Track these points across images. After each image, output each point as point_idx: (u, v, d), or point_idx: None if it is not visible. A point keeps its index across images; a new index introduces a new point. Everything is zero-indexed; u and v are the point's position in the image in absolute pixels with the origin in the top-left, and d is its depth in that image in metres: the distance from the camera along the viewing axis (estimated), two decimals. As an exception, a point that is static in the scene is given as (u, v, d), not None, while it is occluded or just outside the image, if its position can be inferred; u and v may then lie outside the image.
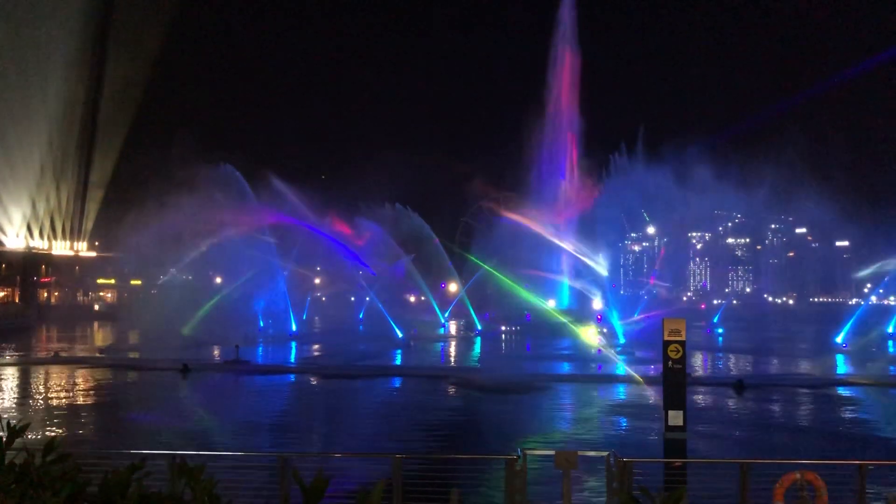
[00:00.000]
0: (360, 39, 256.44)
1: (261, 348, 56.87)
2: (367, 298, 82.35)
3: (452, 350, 61.76)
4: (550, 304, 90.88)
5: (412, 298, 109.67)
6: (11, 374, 41.57)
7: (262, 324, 73.12)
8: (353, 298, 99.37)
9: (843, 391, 36.18)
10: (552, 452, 11.98)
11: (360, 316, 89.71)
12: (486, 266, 76.46)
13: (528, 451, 12.26)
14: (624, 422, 28.47)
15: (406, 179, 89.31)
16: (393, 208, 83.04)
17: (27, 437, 3.41)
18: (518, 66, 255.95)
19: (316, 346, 61.07)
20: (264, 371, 42.72)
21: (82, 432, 25.61)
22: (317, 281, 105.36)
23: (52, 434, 23.51)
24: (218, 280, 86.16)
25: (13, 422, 3.30)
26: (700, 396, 32.39)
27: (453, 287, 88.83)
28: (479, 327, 75.98)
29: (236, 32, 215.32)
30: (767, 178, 67.49)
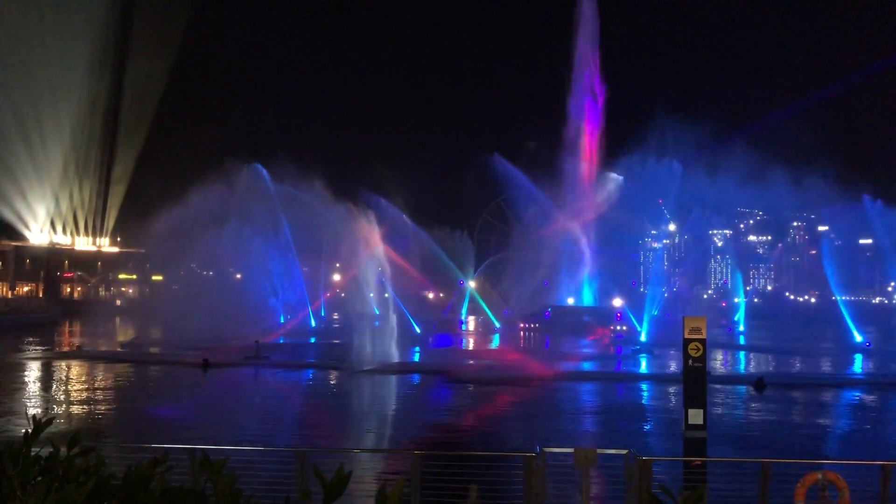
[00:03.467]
0: (378, 33, 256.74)
1: (281, 343, 57.12)
2: (386, 295, 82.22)
3: (470, 346, 61.65)
4: (570, 302, 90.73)
5: (430, 295, 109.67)
6: (36, 368, 42.12)
7: (282, 319, 73.48)
8: (371, 294, 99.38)
9: (864, 391, 35.76)
10: (571, 450, 11.89)
11: (376, 311, 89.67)
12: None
13: (547, 449, 12.16)
14: (644, 420, 28.34)
15: (423, 178, 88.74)
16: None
17: (52, 430, 3.46)
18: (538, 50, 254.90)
19: (336, 341, 61.18)
20: (284, 366, 42.90)
21: (105, 426, 25.91)
22: (336, 277, 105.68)
23: (77, 427, 23.80)
24: (238, 276, 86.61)
25: (38, 415, 3.34)
26: (720, 394, 32.13)
27: (472, 284, 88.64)
28: (498, 324, 75.88)
29: (257, 29, 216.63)
30: (790, 174, 66.84)
